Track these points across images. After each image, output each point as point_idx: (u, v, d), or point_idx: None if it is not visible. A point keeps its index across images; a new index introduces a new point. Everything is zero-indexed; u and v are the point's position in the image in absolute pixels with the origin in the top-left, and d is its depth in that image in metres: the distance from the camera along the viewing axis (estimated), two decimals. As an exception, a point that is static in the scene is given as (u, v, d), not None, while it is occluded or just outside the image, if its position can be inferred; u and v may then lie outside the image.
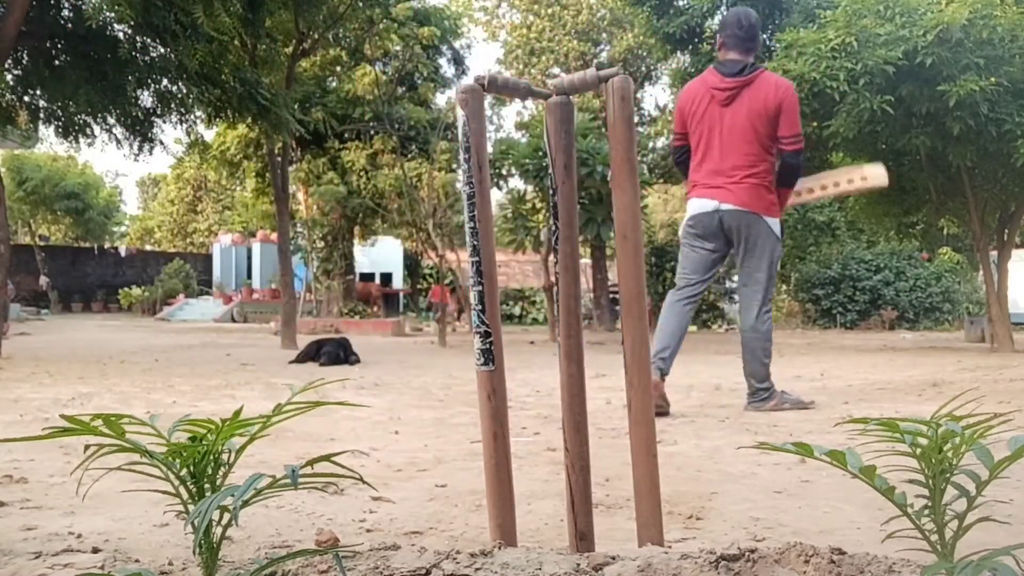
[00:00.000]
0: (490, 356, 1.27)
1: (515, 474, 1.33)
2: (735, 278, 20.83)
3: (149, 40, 7.46)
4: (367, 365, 6.71)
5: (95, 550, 1.41)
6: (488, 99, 1.58)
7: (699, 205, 3.88)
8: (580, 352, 1.32)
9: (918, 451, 0.99)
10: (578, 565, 1.05)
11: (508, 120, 36.48)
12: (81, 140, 8.38)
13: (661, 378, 3.74)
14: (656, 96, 65.54)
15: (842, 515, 1.78)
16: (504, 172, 12.34)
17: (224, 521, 1.02)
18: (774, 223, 3.85)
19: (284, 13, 9.11)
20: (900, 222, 10.98)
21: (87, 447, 1.05)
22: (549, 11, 20.79)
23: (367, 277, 24.89)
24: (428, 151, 16.47)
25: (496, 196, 14.75)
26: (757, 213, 3.79)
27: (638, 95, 21.71)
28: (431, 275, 24.13)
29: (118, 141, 8.51)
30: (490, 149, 3.58)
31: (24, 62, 7.77)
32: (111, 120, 8.29)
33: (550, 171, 1.33)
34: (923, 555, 1.01)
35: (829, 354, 8.58)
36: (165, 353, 8.11)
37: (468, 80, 1.33)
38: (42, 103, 8.12)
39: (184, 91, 7.98)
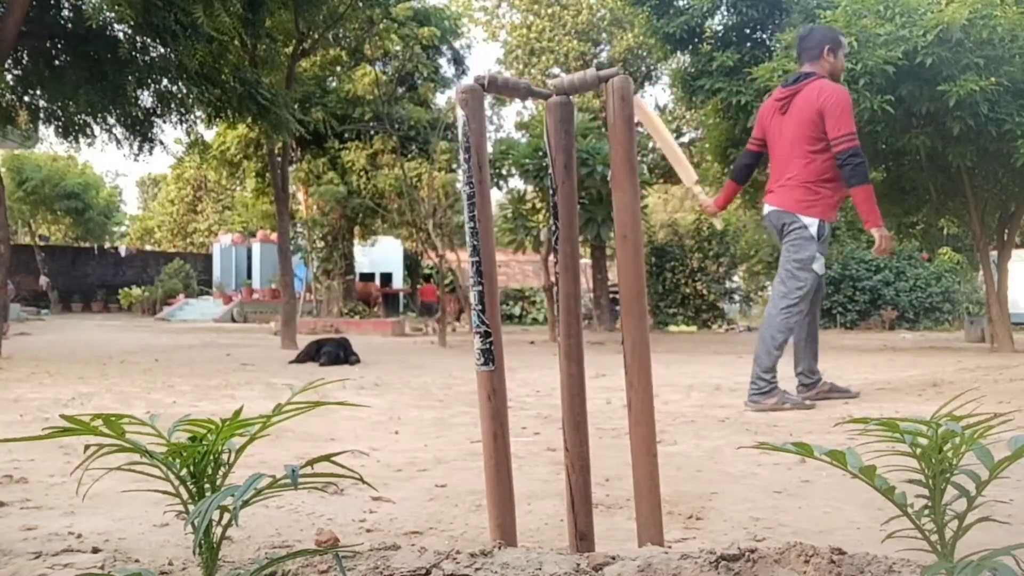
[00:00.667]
0: (490, 356, 1.27)
1: (515, 474, 1.33)
2: (735, 278, 20.54)
3: (149, 40, 7.45)
4: (367, 365, 6.71)
5: (95, 550, 1.41)
6: (488, 99, 1.58)
7: (764, 211, 4.20)
8: (580, 352, 1.32)
9: (918, 451, 0.99)
10: (578, 565, 1.05)
11: (508, 120, 36.45)
12: (81, 140, 8.38)
13: (813, 385, 4.12)
14: (656, 96, 65.45)
15: (842, 515, 1.78)
16: (504, 172, 12.34)
17: (224, 521, 1.02)
18: (810, 222, 3.94)
19: (284, 13, 9.11)
20: (900, 222, 10.98)
21: (87, 447, 1.05)
22: (549, 11, 20.78)
23: (367, 277, 24.88)
24: (428, 151, 16.47)
25: (496, 196, 14.74)
26: (791, 211, 3.97)
27: (638, 95, 21.64)
28: (431, 275, 24.11)
29: (118, 141, 8.51)
30: (490, 149, 3.58)
31: (24, 62, 7.77)
32: (111, 120, 8.29)
33: (550, 171, 1.33)
34: (923, 555, 1.01)
35: (829, 354, 8.57)
36: (165, 353, 8.11)
37: (468, 80, 1.33)
38: (42, 103, 8.12)
39: (184, 91, 7.98)
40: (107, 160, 77.52)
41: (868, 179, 3.96)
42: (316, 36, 10.25)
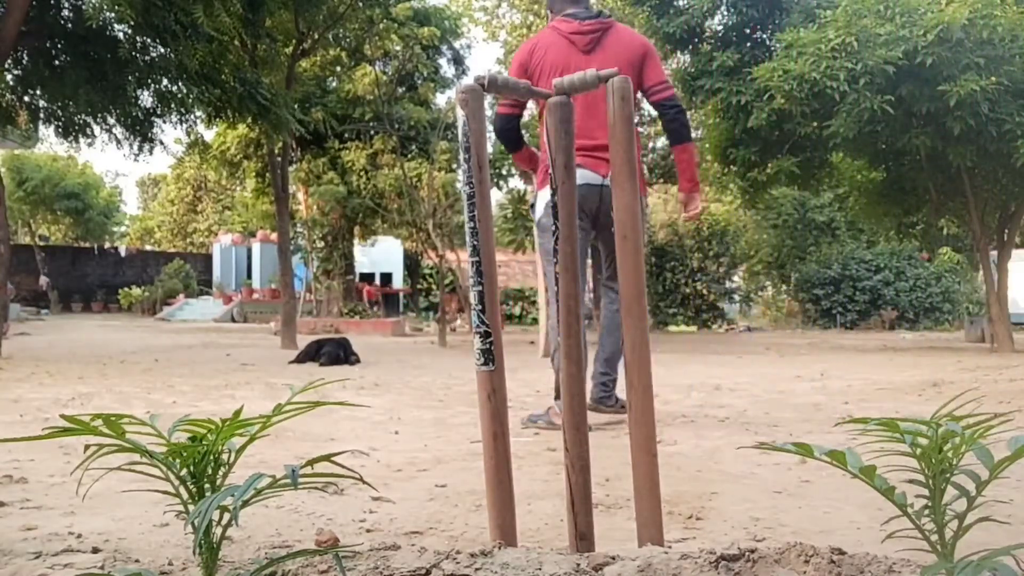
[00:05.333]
0: (490, 356, 1.27)
1: (515, 474, 1.33)
2: (735, 278, 20.46)
3: (149, 40, 7.45)
4: (367, 365, 6.70)
5: (95, 550, 1.41)
6: (488, 99, 1.58)
7: (590, 181, 3.18)
8: (580, 352, 1.32)
9: (918, 451, 0.99)
10: (578, 565, 1.05)
11: (508, 120, 36.37)
12: (81, 140, 8.38)
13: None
14: (656, 96, 65.18)
15: (842, 515, 1.78)
16: (504, 172, 12.33)
17: (224, 521, 1.02)
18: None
19: (284, 13, 9.11)
20: (900, 222, 10.99)
21: (87, 447, 1.05)
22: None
23: (367, 277, 24.87)
24: (428, 151, 16.45)
25: (496, 196, 14.74)
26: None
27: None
28: (431, 275, 24.09)
29: (118, 141, 8.51)
30: (490, 149, 3.55)
31: (24, 62, 7.76)
32: (111, 120, 8.29)
33: (550, 171, 1.33)
34: (923, 555, 1.01)
35: (829, 354, 8.58)
36: (165, 353, 8.11)
37: (468, 80, 1.33)
38: (42, 103, 8.12)
39: (184, 91, 7.98)
40: (107, 160, 77.48)
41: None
42: (316, 36, 10.24)
